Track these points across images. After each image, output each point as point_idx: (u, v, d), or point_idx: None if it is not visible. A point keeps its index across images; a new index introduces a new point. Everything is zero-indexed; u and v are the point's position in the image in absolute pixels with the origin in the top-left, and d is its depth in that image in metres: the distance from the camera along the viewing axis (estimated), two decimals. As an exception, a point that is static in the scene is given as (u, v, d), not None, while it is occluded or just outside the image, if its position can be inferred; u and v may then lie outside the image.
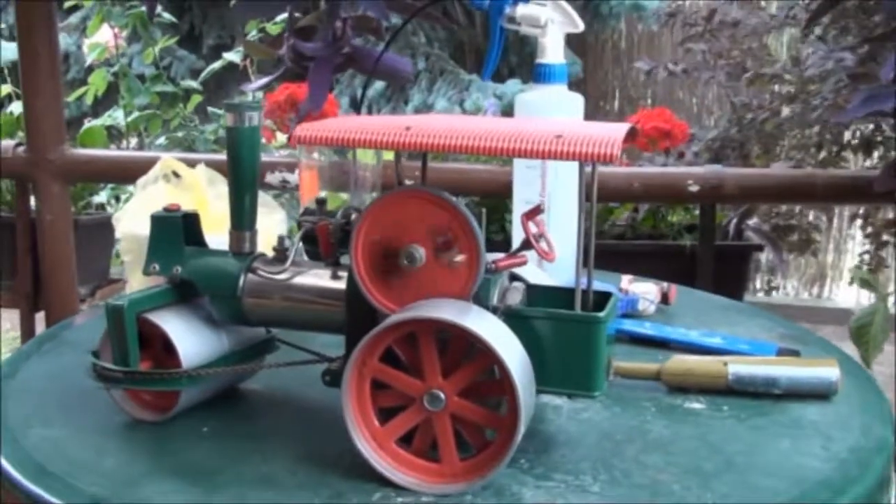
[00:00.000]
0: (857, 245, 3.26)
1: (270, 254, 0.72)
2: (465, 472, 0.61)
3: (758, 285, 2.51)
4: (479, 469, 0.61)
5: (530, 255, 0.66)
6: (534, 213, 0.67)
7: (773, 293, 2.40)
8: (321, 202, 0.71)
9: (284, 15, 1.24)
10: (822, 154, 2.07)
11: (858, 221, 2.21)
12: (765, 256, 2.19)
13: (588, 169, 0.62)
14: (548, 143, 0.58)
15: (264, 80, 1.22)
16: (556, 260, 0.67)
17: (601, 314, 0.62)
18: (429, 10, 1.02)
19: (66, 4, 2.72)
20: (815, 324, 3.17)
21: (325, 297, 0.69)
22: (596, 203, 0.64)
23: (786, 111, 2.09)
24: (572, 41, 3.94)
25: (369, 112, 3.81)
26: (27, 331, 2.00)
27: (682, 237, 1.93)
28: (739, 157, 2.10)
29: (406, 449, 0.62)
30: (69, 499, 0.60)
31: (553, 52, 0.96)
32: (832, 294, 3.90)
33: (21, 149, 1.85)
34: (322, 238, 0.69)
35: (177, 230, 0.72)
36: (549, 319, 0.63)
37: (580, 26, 0.96)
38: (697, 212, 1.88)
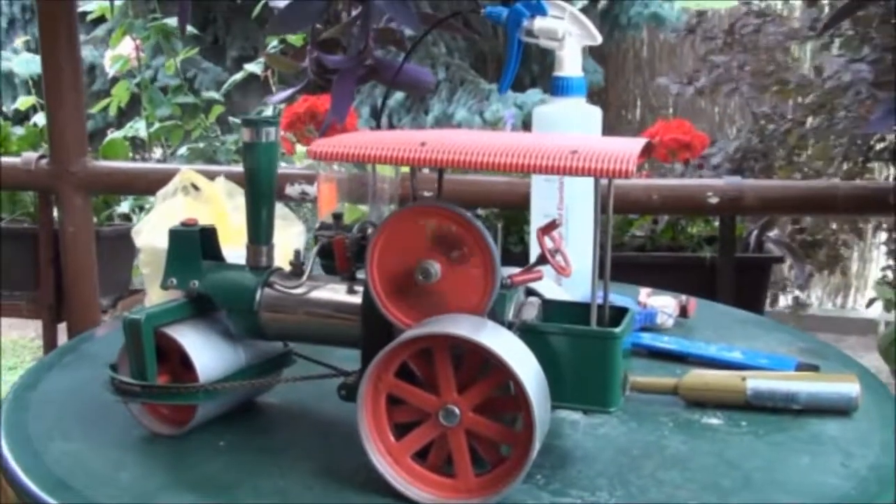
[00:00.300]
0: (882, 255, 3.23)
1: (288, 267, 0.73)
2: (480, 488, 0.61)
3: (781, 302, 2.49)
4: (494, 485, 0.60)
5: (546, 269, 0.66)
6: (550, 227, 0.67)
7: (800, 310, 2.37)
8: (338, 216, 0.72)
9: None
10: (847, 165, 2.05)
11: (883, 234, 2.19)
12: (792, 271, 2.17)
13: (604, 182, 0.62)
14: (563, 159, 0.58)
15: (287, 92, 1.23)
16: (573, 274, 0.67)
17: (617, 329, 0.62)
18: (450, 21, 1.02)
19: (91, 17, 2.75)
20: (839, 334, 3.15)
21: (341, 312, 0.69)
22: (613, 215, 0.64)
23: (810, 122, 2.07)
24: (593, 50, 3.93)
25: (389, 122, 3.82)
26: (49, 341, 2.01)
27: (702, 249, 1.92)
28: (762, 169, 2.08)
29: (421, 464, 0.62)
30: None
31: (571, 65, 0.96)
32: (857, 304, 3.86)
33: (44, 161, 1.87)
34: (338, 252, 0.69)
35: (194, 244, 0.72)
36: (565, 335, 0.63)
37: (598, 39, 0.95)
38: (717, 224, 1.87)
